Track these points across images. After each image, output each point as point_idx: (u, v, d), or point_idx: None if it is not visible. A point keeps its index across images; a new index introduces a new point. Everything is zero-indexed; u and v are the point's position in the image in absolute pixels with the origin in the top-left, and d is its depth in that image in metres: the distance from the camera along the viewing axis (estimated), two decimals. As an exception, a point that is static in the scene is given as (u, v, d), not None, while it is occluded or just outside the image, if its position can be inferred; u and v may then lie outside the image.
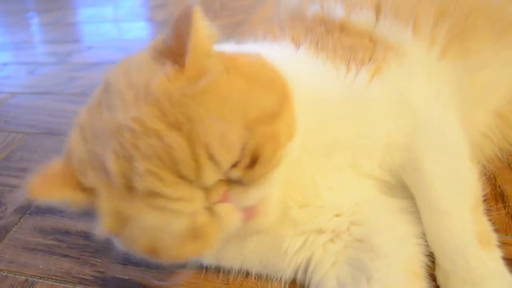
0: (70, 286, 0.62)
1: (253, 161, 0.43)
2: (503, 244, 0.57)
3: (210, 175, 0.41)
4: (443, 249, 0.51)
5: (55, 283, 0.63)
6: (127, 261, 0.63)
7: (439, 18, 0.62)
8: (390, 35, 0.60)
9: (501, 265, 0.51)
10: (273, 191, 0.47)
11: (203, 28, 0.42)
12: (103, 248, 0.67)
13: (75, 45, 1.68)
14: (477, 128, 0.68)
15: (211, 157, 0.40)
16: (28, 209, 0.78)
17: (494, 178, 0.69)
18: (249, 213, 0.46)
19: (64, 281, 0.63)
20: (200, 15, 0.41)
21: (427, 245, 0.53)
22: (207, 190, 0.43)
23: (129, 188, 0.40)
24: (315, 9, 0.65)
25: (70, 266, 0.65)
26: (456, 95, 0.62)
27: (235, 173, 0.43)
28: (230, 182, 0.44)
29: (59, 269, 0.65)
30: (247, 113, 0.42)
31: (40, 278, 0.64)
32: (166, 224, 0.42)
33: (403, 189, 0.56)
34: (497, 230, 0.60)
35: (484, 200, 0.64)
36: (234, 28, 1.40)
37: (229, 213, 0.44)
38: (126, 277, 0.62)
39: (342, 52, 0.57)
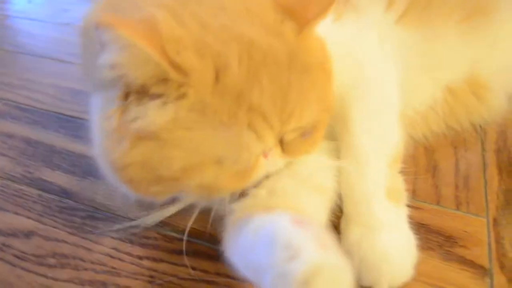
0: (-2, 180, 0.64)
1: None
2: (417, 208, 0.58)
3: (291, 126, 0.43)
4: (351, 193, 0.52)
5: (-15, 176, 0.65)
6: (58, 167, 0.66)
7: None
8: None
9: (403, 220, 0.52)
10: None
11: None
12: (41, 154, 0.69)
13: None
14: (424, 98, 0.68)
15: (301, 113, 0.43)
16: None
17: (433, 151, 0.69)
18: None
19: (-6, 175, 0.65)
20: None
21: None
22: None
23: (238, 96, 0.39)
24: None
25: (5, 164, 0.67)
26: (409, 61, 0.63)
27: (291, 136, 0.45)
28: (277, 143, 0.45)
29: (-7, 165, 0.67)
30: (322, 97, 0.46)
31: (-27, 170, 0.66)
32: (243, 147, 0.41)
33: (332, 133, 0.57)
34: (417, 196, 0.62)
35: (416, 167, 0.65)
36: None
37: (262, 170, 0.46)
38: (50, 180, 0.64)
39: None
